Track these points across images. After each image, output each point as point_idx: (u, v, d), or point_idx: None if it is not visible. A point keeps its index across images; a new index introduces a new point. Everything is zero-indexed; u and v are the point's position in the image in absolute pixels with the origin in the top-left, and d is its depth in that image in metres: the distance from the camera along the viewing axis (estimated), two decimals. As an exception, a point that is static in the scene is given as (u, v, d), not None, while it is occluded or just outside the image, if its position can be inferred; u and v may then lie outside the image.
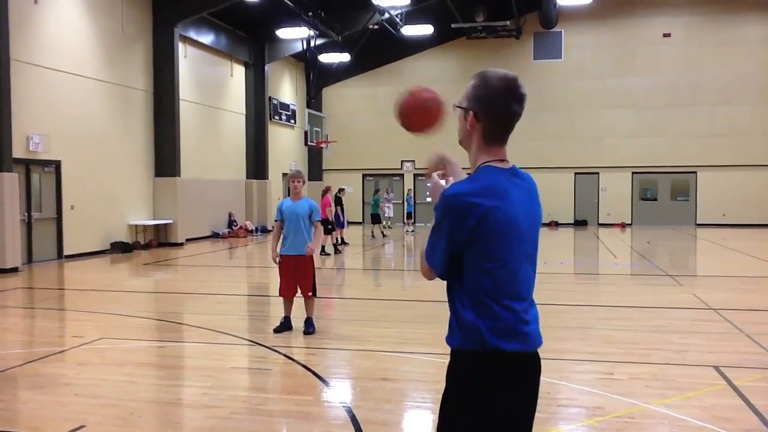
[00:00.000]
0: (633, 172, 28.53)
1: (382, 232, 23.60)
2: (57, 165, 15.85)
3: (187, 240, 20.31)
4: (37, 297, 11.23)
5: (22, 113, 14.44)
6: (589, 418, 4.86)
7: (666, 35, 27.83)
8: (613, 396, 5.33)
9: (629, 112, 28.19)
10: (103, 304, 9.79)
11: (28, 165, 14.98)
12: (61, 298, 11.04)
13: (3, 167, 13.53)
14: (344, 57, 27.32)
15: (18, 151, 14.27)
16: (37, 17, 15.12)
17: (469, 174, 2.38)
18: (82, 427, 4.70)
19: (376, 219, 23.23)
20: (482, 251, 2.15)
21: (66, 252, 16.03)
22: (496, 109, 2.24)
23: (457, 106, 2.33)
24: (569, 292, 10.72)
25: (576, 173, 28.83)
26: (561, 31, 28.50)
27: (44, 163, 15.51)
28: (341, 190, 21.32)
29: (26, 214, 14.95)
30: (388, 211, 26.53)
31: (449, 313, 2.28)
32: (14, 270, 13.54)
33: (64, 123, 15.89)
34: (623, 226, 28.11)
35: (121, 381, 5.91)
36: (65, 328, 8.69)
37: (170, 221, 19.53)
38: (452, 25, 25.54)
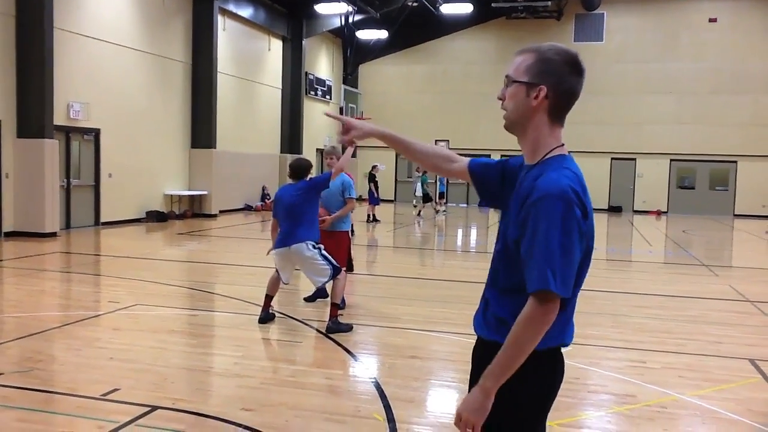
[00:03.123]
0: (671, 160, 28.01)
1: (436, 210, 23.53)
2: (96, 133, 16.08)
3: (221, 211, 20.52)
4: (74, 262, 11.46)
5: (64, 81, 14.65)
6: (619, 406, 4.82)
7: (712, 20, 27.10)
8: (645, 384, 5.27)
9: (670, 98, 27.60)
10: (138, 271, 9.96)
11: (68, 132, 15.23)
12: (98, 264, 11.26)
13: (44, 134, 13.78)
14: (382, 34, 27.15)
15: (59, 119, 14.51)
16: (80, -14, 15.27)
17: (505, 158, 2.32)
18: (116, 389, 4.80)
19: (426, 198, 23.14)
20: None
21: (103, 219, 16.31)
22: (567, 85, 2.05)
23: (517, 80, 2.09)
24: (602, 278, 10.60)
25: (612, 158, 28.40)
26: (603, 13, 27.92)
27: (84, 131, 15.75)
28: (374, 167, 21.33)
29: (65, 180, 15.23)
30: (419, 190, 26.43)
31: (495, 304, 2.13)
32: (53, 235, 13.82)
33: (104, 92, 16.08)
34: (659, 213, 27.67)
35: (154, 347, 6.02)
36: (101, 293, 8.86)
37: (205, 192, 19.75)
38: (492, 4, 25.18)
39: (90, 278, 9.89)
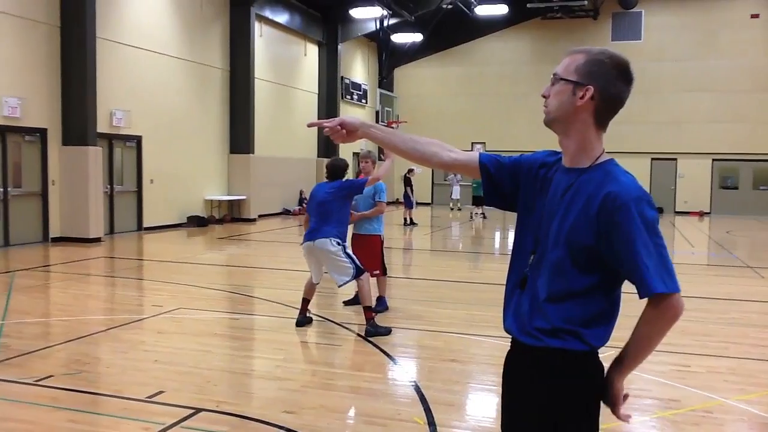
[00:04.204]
0: (713, 159, 27.42)
1: (483, 214, 23.47)
2: (138, 140, 16.42)
3: (260, 216, 20.75)
4: (118, 266, 11.71)
5: (107, 89, 15.00)
6: (663, 411, 4.75)
7: (754, 16, 26.48)
8: (689, 389, 5.19)
9: (710, 96, 27.05)
10: (180, 276, 10.14)
11: (111, 140, 15.58)
12: (141, 269, 11.49)
13: (88, 141, 14.13)
14: (417, 37, 27.17)
15: (102, 126, 14.86)
16: (121, -4, 15.63)
17: (518, 155, 2.30)
18: (161, 392, 4.90)
19: (478, 201, 23.11)
20: None
21: (145, 224, 16.65)
22: (614, 90, 2.05)
23: (564, 79, 2.08)
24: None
25: (653, 159, 27.93)
26: (641, 12, 27.51)
27: (126, 138, 16.10)
28: (410, 171, 21.37)
29: (109, 187, 15.58)
30: (456, 192, 26.39)
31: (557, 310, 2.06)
32: (97, 240, 14.15)
33: (145, 99, 16.42)
34: (701, 214, 27.12)
35: (197, 350, 6.12)
36: (144, 297, 9.05)
37: (243, 197, 20.00)
38: (527, 5, 24.99)
39: (134, 282, 10.11)
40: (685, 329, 7.20)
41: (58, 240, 13.99)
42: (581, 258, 2.00)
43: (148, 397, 4.79)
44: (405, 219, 19.78)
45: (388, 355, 6.09)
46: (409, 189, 20.61)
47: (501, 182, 2.27)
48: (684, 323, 7.36)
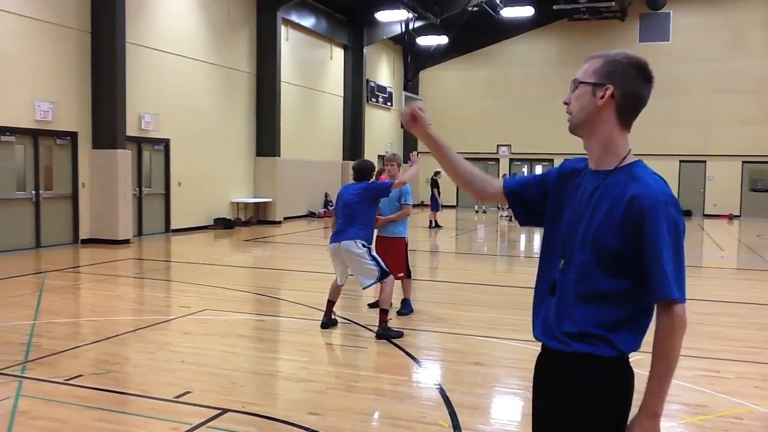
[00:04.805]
0: (743, 162, 26.96)
1: (510, 217, 23.55)
2: (166, 143, 16.63)
3: (285, 218, 20.87)
4: (146, 268, 11.86)
5: (136, 93, 15.21)
6: (691, 416, 4.69)
7: (786, 15, 26.03)
8: (718, 394, 5.11)
9: (740, 97, 26.60)
10: (207, 277, 10.24)
11: (139, 143, 15.79)
12: (168, 270, 11.62)
13: (117, 144, 14.34)
14: (442, 40, 27.14)
15: (131, 130, 15.07)
16: (150, 2, 15.84)
17: (545, 171, 2.29)
18: (187, 392, 4.95)
19: None
20: None
21: (173, 226, 16.84)
22: (633, 87, 2.05)
23: (584, 81, 2.09)
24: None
25: (681, 161, 27.56)
26: (669, 12, 27.18)
27: (154, 141, 16.31)
28: (437, 173, 21.34)
29: (137, 189, 15.79)
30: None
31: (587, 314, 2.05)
32: (126, 242, 14.35)
33: (173, 103, 16.61)
34: (731, 217, 26.69)
35: (223, 351, 6.18)
36: (172, 298, 9.15)
37: (269, 199, 20.13)
38: (554, 7, 24.83)
39: (161, 284, 10.23)
40: (715, 334, 7.10)
41: (87, 242, 14.21)
42: (608, 261, 2.00)
43: (176, 397, 4.85)
44: (430, 221, 19.75)
45: (412, 357, 6.09)
46: (436, 191, 20.58)
47: (533, 202, 2.30)
48: (714, 328, 7.31)
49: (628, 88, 2.04)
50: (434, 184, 20.90)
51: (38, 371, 5.44)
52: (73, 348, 6.21)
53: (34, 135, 13.31)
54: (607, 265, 2.00)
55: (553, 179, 2.26)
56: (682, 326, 1.93)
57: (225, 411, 4.59)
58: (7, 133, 12.74)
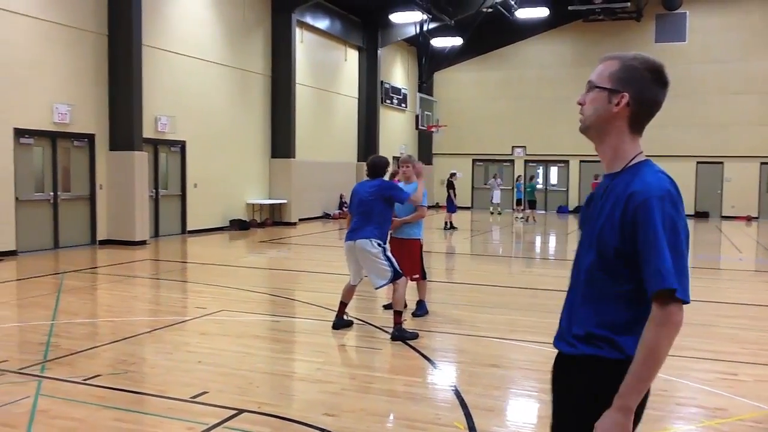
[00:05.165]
0: (761, 163, 26.69)
1: (530, 218, 23.73)
2: (182, 145, 16.73)
3: (300, 220, 20.93)
4: (163, 269, 11.94)
5: (152, 96, 15.33)
6: (709, 419, 4.65)
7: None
8: (736, 398, 5.06)
9: (757, 98, 26.33)
10: (223, 278, 10.29)
11: (156, 145, 15.90)
12: (184, 271, 11.69)
13: (134, 146, 14.45)
14: (456, 41, 27.11)
15: (147, 132, 15.18)
16: (166, 5, 15.95)
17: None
18: (204, 392, 4.98)
19: (531, 204, 24.25)
20: None
21: (188, 228, 16.94)
22: (649, 95, 2.05)
23: (599, 86, 2.09)
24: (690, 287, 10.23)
25: (698, 162, 27.33)
26: (685, 13, 26.98)
27: (171, 143, 16.42)
28: (453, 175, 21.33)
29: (154, 191, 15.90)
30: (497, 197, 26.23)
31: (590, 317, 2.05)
32: (143, 243, 14.46)
33: (189, 105, 16.72)
34: (749, 219, 26.43)
35: (239, 352, 6.21)
36: (188, 299, 9.21)
37: (284, 201, 20.20)
38: (569, 7, 24.74)
39: (177, 285, 10.29)
40: (733, 337, 7.04)
41: (105, 243, 14.33)
42: (611, 261, 2.00)
43: (192, 398, 4.87)
44: (446, 223, 19.72)
45: (427, 359, 6.09)
46: (451, 192, 20.55)
47: None
48: (732, 330, 7.25)
49: (643, 95, 2.04)
50: (450, 185, 20.87)
51: (57, 371, 5.50)
52: (91, 348, 6.26)
53: (53, 137, 13.45)
54: (610, 266, 2.00)
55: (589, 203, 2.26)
56: (672, 323, 1.87)
57: (241, 411, 4.61)
58: (26, 136, 12.87)
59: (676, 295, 1.86)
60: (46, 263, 11.77)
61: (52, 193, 13.51)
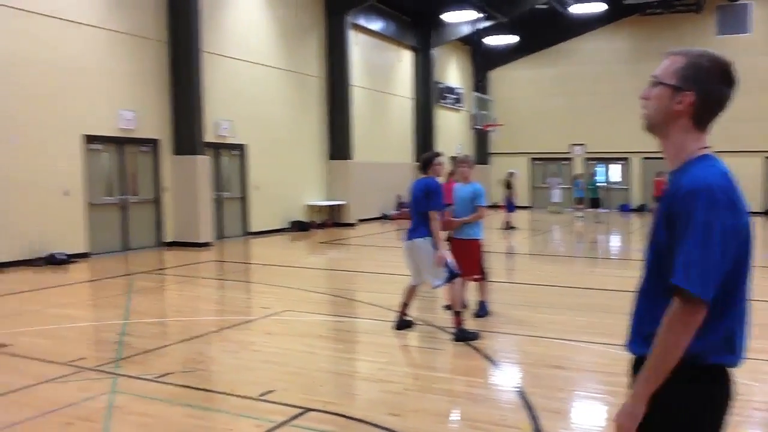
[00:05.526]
0: (834, 156, 25.57)
1: (597, 216, 23.53)
2: (242, 148, 17.09)
3: (359, 220, 21.09)
4: (227, 270, 12.23)
5: (212, 101, 15.70)
6: (785, 423, 4.50)
7: None
8: (814, 401, 4.89)
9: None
10: (285, 279, 10.48)
11: (217, 149, 16.29)
12: (248, 272, 11.94)
13: (196, 150, 14.84)
14: (511, 39, 26.85)
15: (209, 136, 15.57)
16: (223, 11, 16.33)
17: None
18: (270, 391, 5.08)
19: (595, 203, 24.10)
20: None
21: (250, 229, 17.28)
22: (715, 94, 2.01)
23: (664, 83, 2.06)
24: (762, 287, 9.90)
25: (766, 157, 26.37)
26: (749, 3, 26.03)
27: (231, 147, 16.78)
28: (511, 174, 21.15)
29: (217, 193, 16.29)
30: (556, 196, 25.88)
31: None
32: (207, 245, 14.83)
33: (248, 109, 17.06)
34: (822, 216, 25.35)
35: (303, 351, 6.32)
36: (252, 299, 9.41)
37: (343, 202, 20.39)
38: (625, 2, 24.19)
39: (242, 285, 10.53)
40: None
41: (171, 244, 14.75)
42: (663, 256, 1.98)
43: (260, 396, 4.99)
44: (505, 223, 19.56)
45: (490, 359, 6.07)
46: (510, 192, 20.37)
47: None
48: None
49: (709, 94, 2.01)
50: (508, 185, 20.69)
51: (130, 368, 5.71)
52: (161, 347, 6.48)
53: (119, 143, 13.93)
54: (663, 262, 1.97)
55: None
56: (682, 321, 1.86)
57: (307, 410, 4.69)
58: (95, 142, 13.37)
59: (690, 292, 1.83)
60: (116, 265, 12.20)
61: (121, 197, 14.00)
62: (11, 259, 11.58)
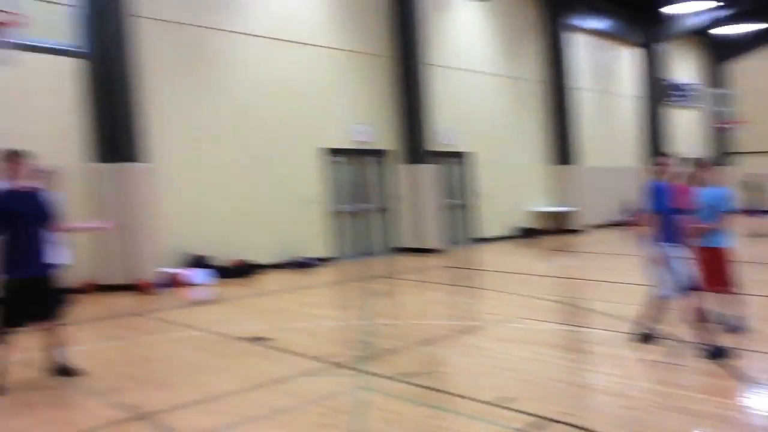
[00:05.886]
0: None
1: None
2: (466, 156, 17.44)
3: (587, 227, 20.41)
4: (456, 275, 12.56)
5: (435, 111, 16.23)
6: None
7: None
8: None
9: None
10: (514, 285, 10.53)
11: (442, 157, 16.80)
12: (475, 277, 12.17)
13: (425, 160, 15.48)
14: (753, 27, 24.21)
15: (435, 145, 16.11)
16: (443, 24, 16.82)
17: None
18: (505, 397, 5.13)
19: None
20: None
21: (477, 236, 17.55)
22: None
23: None
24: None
25: None
26: None
27: (455, 155, 17.21)
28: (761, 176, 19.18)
29: (445, 201, 16.78)
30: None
31: None
32: (435, 251, 15.36)
33: (469, 117, 17.39)
34: None
35: (535, 359, 6.32)
36: (481, 305, 9.59)
37: (570, 208, 19.90)
38: None
39: (471, 291, 10.77)
40: None
41: (403, 250, 15.50)
42: None
43: (496, 402, 5.08)
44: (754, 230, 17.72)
45: (743, 380, 5.60)
46: (759, 195, 18.47)
47: None
48: None
49: None
50: (755, 187, 18.77)
51: (373, 366, 6.13)
52: (399, 348, 6.86)
53: (354, 154, 14.98)
54: None
55: None
56: None
57: (545, 419, 4.68)
58: (332, 154, 14.50)
59: None
60: (354, 269, 13.14)
61: (357, 205, 15.04)
62: (269, 262, 12.95)
